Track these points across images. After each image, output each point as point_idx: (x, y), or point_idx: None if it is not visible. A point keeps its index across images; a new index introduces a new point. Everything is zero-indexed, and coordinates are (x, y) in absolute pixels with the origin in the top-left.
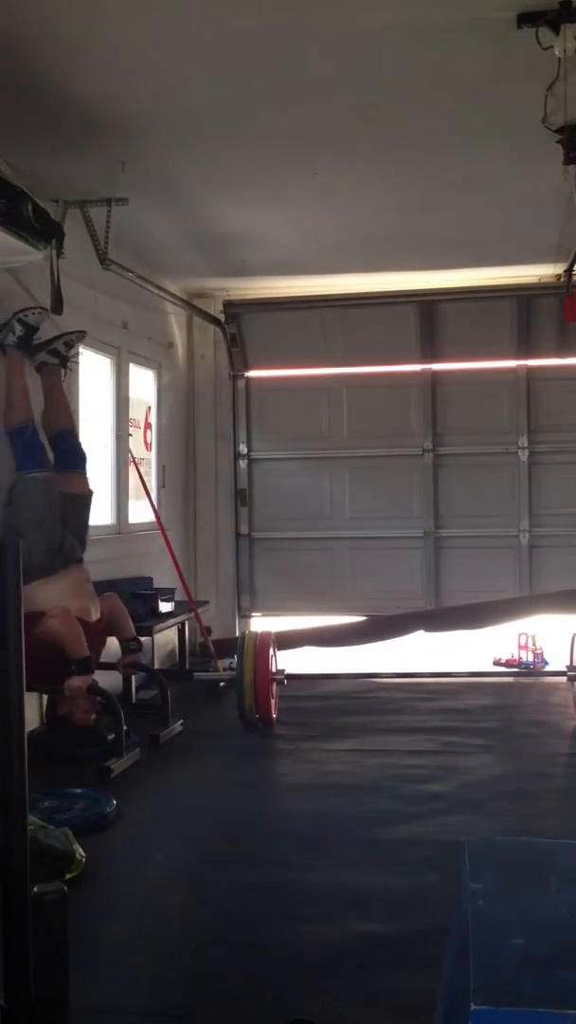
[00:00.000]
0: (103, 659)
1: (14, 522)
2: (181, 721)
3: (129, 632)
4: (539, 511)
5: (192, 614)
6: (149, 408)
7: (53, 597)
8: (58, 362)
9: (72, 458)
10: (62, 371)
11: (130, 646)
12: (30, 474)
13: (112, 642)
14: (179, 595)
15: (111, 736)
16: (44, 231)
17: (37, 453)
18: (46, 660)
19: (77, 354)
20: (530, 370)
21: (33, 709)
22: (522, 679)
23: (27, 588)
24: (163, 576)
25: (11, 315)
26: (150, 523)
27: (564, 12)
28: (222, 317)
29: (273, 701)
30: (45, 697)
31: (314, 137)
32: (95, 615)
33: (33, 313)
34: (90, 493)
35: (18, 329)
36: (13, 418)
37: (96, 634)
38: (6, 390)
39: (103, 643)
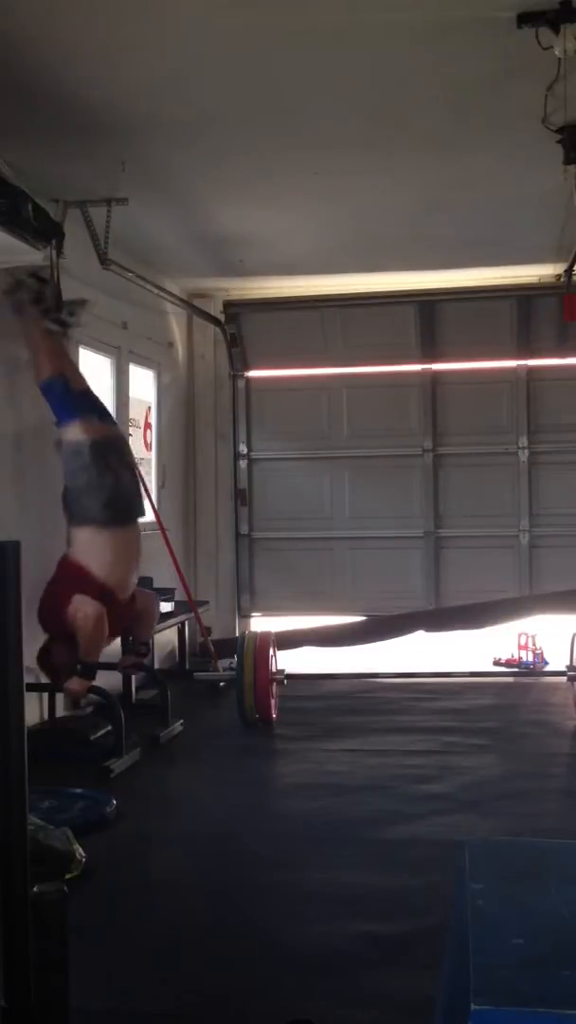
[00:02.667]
0: (103, 659)
1: (67, 477)
2: (181, 721)
3: (146, 636)
4: (539, 511)
5: (192, 614)
6: (149, 408)
7: (96, 550)
8: (62, 329)
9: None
10: (64, 338)
11: (138, 649)
12: (69, 425)
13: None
14: (179, 595)
15: (95, 736)
16: (44, 231)
17: (70, 405)
18: (57, 619)
19: (79, 320)
20: (530, 370)
21: (31, 709)
22: (522, 679)
23: (77, 530)
24: (163, 576)
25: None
26: (150, 523)
27: (564, 12)
28: (222, 317)
29: (273, 701)
30: (44, 696)
31: (314, 137)
32: (128, 591)
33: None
34: (120, 437)
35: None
36: (43, 373)
37: (121, 613)
38: (31, 349)
39: (124, 626)
